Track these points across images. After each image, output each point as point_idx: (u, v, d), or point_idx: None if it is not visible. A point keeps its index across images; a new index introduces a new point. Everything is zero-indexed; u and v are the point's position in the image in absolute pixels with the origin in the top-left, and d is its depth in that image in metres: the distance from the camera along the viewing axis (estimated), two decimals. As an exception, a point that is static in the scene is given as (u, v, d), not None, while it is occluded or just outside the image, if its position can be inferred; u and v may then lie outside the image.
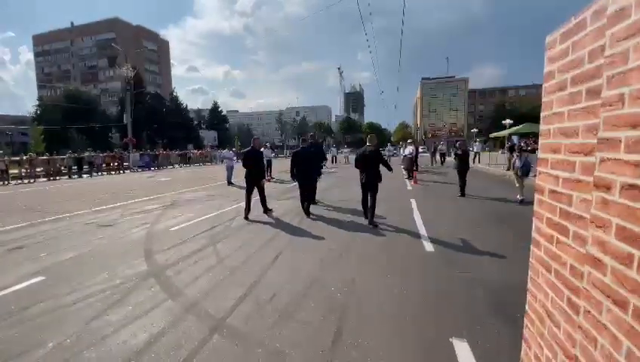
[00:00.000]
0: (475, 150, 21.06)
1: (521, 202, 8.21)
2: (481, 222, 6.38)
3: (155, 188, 13.14)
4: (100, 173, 22.47)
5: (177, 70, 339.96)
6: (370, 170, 6.42)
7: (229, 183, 13.29)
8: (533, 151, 13.61)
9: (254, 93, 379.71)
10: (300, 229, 6.22)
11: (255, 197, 7.39)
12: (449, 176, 14.72)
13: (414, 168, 18.33)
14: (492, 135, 20.30)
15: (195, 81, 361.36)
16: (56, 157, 20.83)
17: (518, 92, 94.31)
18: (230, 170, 13.41)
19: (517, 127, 17.15)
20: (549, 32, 1.41)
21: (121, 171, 23.95)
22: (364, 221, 6.53)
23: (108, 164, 23.80)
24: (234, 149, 14.55)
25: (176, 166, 30.75)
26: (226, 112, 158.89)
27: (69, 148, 29.99)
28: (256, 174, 7.39)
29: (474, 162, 21.10)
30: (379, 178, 6.48)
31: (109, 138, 49.90)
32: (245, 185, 7.35)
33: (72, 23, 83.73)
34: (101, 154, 23.71)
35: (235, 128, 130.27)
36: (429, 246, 4.90)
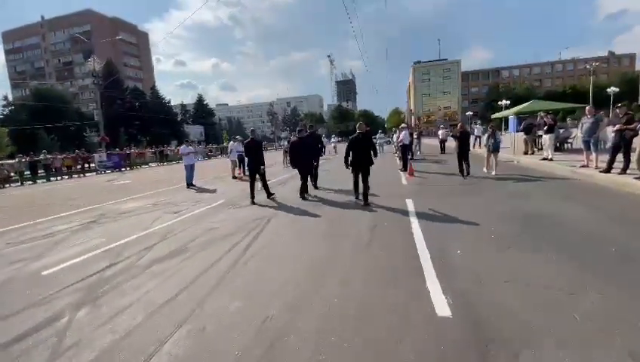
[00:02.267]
0: (475, 133, 18.94)
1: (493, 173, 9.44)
2: (511, 234, 4.30)
3: (99, 196, 10.87)
4: (59, 178, 20.04)
5: (164, 65, 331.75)
6: (361, 155, 6.69)
7: (189, 185, 11.06)
8: (551, 128, 11.49)
9: (245, 86, 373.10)
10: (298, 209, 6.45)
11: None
12: (450, 165, 12.62)
13: (410, 157, 16.26)
14: (494, 116, 18.17)
15: (183, 76, 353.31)
16: (4, 161, 18.32)
17: (511, 72, 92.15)
18: (190, 169, 11.13)
19: (522, 105, 15.07)
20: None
21: (83, 174, 21.55)
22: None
23: (69, 167, 21.30)
24: (197, 145, 12.07)
25: (152, 165, 28.41)
26: (215, 106, 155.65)
27: (39, 151, 27.55)
28: (257, 162, 7.75)
29: (473, 147, 19.02)
30: (370, 162, 6.73)
31: (85, 137, 46.99)
32: (249, 174, 7.99)
33: (42, 17, 79.30)
34: (59, 156, 21.19)
35: (225, 122, 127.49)
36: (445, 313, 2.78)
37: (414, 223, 5.06)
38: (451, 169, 11.58)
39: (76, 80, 77.24)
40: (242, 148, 14.14)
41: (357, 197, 6.98)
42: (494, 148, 9.58)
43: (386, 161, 16.65)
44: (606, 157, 7.83)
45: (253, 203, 7.55)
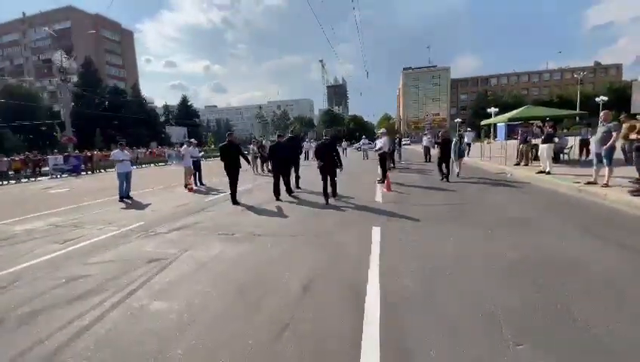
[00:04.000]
0: (466, 140, 17.46)
1: (457, 175, 10.57)
2: (526, 317, 2.62)
3: (4, 210, 8.91)
4: (4, 182, 17.80)
5: (155, 66, 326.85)
6: (327, 158, 7.39)
7: (122, 198, 9.17)
8: (550, 137, 10.02)
9: (237, 88, 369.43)
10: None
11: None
12: (434, 176, 11.04)
13: (392, 165, 14.68)
14: (484, 122, 16.75)
15: (174, 77, 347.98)
16: None
17: (499, 80, 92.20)
18: (124, 178, 9.24)
19: (516, 111, 13.63)
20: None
21: (34, 179, 19.34)
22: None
23: (17, 170, 19.06)
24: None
25: (119, 168, 26.23)
26: (204, 107, 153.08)
27: (3, 151, 25.25)
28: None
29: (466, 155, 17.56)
30: (335, 165, 7.46)
31: (56, 138, 44.23)
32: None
33: (23, 14, 76.22)
34: (5, 159, 18.91)
35: (214, 124, 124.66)
36: None
37: (372, 283, 3.29)
38: (435, 181, 9.99)
39: (55, 77, 74.02)
40: (198, 154, 12.45)
41: (327, 202, 7.37)
42: (460, 154, 10.74)
43: (366, 170, 15.03)
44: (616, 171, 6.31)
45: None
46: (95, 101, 54.67)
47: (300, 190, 9.49)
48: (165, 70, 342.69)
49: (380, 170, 10.64)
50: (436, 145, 10.77)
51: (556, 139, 13.06)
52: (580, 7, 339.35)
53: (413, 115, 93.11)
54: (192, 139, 12.75)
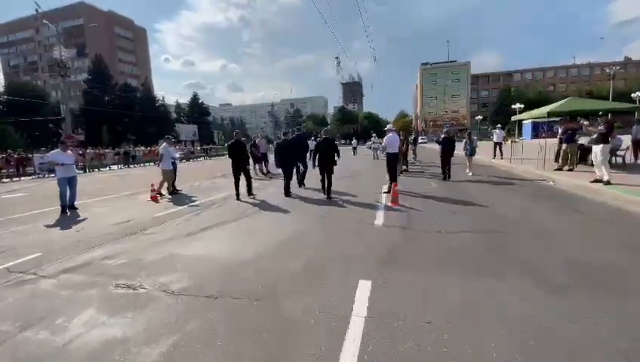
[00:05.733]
0: (495, 139, 15.02)
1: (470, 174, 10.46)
2: None
3: None
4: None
5: (173, 65, 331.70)
6: (325, 156, 7.63)
7: (64, 208, 7.38)
8: (604, 137, 7.72)
9: (252, 87, 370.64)
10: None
11: None
12: (455, 183, 8.86)
13: (404, 169, 12.52)
14: (515, 118, 14.20)
15: (192, 76, 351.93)
16: None
17: (523, 76, 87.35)
18: (65, 184, 7.41)
19: (557, 104, 11.19)
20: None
21: (18, 178, 18.09)
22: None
23: (-1, 169, 17.88)
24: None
25: (115, 168, 24.97)
26: (219, 106, 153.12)
27: (3, 148, 24.48)
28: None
29: (494, 156, 15.15)
30: (332, 163, 7.61)
31: (60, 134, 43.81)
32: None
33: (36, 10, 76.94)
34: (-15, 157, 17.79)
35: (228, 122, 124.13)
36: None
37: None
38: (457, 191, 7.81)
39: (68, 75, 74.49)
40: (176, 155, 10.64)
41: (328, 198, 7.57)
42: (470, 153, 10.61)
43: (373, 173, 12.91)
44: None
45: (238, 199, 7.96)
46: (105, 99, 54.32)
47: (304, 187, 9.56)
48: (184, 69, 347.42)
49: (387, 176, 8.54)
50: (437, 143, 10.63)
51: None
52: (604, 3, 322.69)
53: (431, 113, 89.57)
54: (170, 136, 10.87)
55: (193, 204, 7.90)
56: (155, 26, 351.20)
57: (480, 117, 65.73)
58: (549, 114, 10.34)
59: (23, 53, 77.19)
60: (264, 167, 13.64)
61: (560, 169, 10.19)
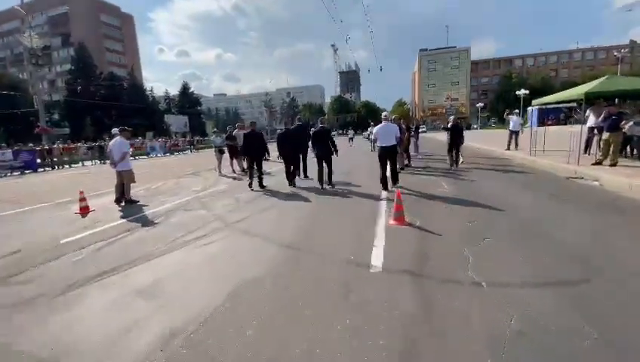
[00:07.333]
0: (511, 128, 13.02)
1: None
2: None
3: None
4: None
5: (167, 55, 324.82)
6: (322, 145, 7.54)
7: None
8: None
9: (249, 77, 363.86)
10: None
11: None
12: (471, 181, 6.99)
13: (406, 163, 10.67)
14: (535, 102, 12.15)
15: (186, 66, 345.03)
16: None
17: (524, 61, 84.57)
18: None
19: (591, 84, 9.19)
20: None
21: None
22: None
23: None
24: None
25: (88, 163, 22.85)
26: (213, 96, 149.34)
27: None
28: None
29: (509, 146, 13.20)
30: (330, 152, 7.57)
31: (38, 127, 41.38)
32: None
33: (21, 0, 73.42)
34: None
35: (223, 113, 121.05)
36: None
37: None
38: (480, 194, 5.86)
39: (53, 65, 71.54)
40: (127, 150, 8.63)
41: (322, 187, 7.58)
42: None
43: (370, 170, 10.97)
44: None
45: (251, 188, 8.00)
46: (90, 89, 51.74)
47: (308, 178, 9.35)
48: (179, 60, 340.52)
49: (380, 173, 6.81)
50: (445, 130, 10.25)
51: (630, 123, 8.75)
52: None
53: (430, 101, 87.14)
54: (125, 127, 8.77)
55: (131, 217, 5.98)
56: (149, 15, 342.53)
57: (481, 104, 63.33)
58: (587, 95, 8.35)
59: (10, 45, 73.85)
60: (243, 162, 11.67)
61: (599, 163, 8.30)
